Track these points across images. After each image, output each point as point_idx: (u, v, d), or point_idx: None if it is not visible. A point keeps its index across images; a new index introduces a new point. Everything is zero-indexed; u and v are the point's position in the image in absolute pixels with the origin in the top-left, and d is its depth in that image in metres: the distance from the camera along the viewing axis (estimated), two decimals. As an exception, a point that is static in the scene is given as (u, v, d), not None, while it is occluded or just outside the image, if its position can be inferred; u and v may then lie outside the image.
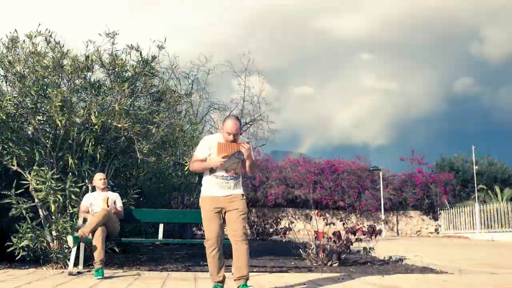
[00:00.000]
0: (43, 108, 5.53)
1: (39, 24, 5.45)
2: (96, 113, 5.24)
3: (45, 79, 5.42)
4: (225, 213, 3.69)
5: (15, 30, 5.53)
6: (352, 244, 6.60)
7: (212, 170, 3.71)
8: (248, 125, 18.00)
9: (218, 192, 3.68)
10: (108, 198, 5.26)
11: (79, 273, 5.08)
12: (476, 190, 20.98)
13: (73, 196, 5.40)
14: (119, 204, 5.47)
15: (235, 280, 3.62)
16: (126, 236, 7.11)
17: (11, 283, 4.22)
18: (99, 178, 5.45)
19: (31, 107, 5.47)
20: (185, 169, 6.48)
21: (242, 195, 3.76)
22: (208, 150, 3.72)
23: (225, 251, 3.91)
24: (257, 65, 22.32)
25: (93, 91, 5.63)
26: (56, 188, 5.20)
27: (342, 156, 22.32)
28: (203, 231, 3.72)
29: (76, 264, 5.29)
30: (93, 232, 4.91)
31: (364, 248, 7.33)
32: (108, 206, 5.19)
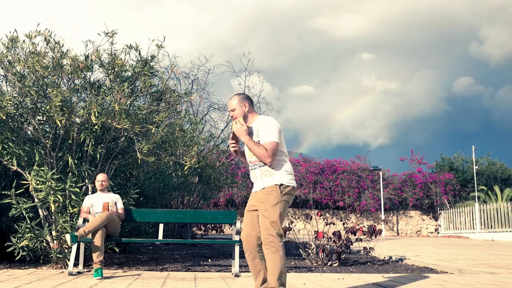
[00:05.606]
0: (43, 108, 5.53)
1: (39, 24, 5.46)
2: (96, 113, 5.24)
3: (45, 79, 5.42)
4: None
5: (15, 30, 5.54)
6: (352, 244, 6.60)
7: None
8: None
9: (254, 187, 3.33)
10: (108, 204, 5.26)
11: (79, 273, 5.08)
12: (476, 190, 20.99)
13: (73, 196, 5.40)
14: (120, 206, 5.47)
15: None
16: (126, 236, 7.11)
17: (11, 283, 4.22)
18: (97, 180, 5.45)
19: (31, 107, 5.47)
20: (185, 169, 6.47)
21: (275, 185, 3.17)
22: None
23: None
24: (257, 65, 22.45)
25: (93, 91, 5.64)
26: (56, 188, 5.20)
27: (342, 156, 22.47)
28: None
29: (76, 264, 5.29)
30: (93, 233, 4.91)
31: (364, 248, 7.33)
32: (108, 210, 5.19)
